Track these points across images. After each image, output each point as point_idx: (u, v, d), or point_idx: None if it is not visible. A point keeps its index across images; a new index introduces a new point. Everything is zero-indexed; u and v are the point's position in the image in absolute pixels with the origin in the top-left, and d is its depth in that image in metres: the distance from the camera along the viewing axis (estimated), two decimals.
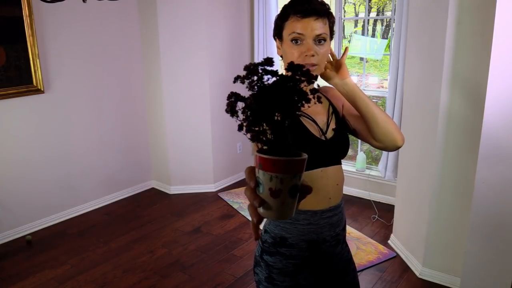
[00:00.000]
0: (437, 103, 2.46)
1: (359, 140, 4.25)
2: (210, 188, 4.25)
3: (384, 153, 3.69)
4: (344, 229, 1.38)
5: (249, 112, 0.64)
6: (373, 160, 5.21)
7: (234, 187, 4.32)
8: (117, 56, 3.88)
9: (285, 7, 1.25)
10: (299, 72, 0.66)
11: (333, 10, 5.90)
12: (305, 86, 0.67)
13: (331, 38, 1.28)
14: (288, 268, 1.28)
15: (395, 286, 2.66)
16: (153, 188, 4.36)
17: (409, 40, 2.86)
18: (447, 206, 2.56)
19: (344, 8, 10.58)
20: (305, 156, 0.65)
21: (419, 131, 2.73)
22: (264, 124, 0.64)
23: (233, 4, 4.14)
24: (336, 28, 4.02)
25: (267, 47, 4.13)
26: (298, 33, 1.21)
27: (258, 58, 4.21)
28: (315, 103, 0.69)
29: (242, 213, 3.72)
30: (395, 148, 1.30)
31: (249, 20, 4.35)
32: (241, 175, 4.53)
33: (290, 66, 0.68)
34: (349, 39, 10.78)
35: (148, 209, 3.87)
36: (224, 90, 4.12)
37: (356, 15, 11.04)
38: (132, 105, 4.09)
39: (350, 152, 5.59)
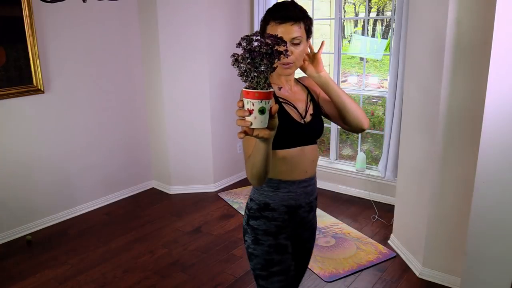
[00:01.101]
0: (437, 103, 2.46)
1: (359, 140, 4.27)
2: (210, 188, 4.25)
3: (384, 153, 3.69)
4: (316, 199, 1.64)
5: (241, 63, 1.04)
6: (373, 160, 5.21)
7: (234, 187, 4.32)
8: (117, 56, 3.88)
9: (267, 12, 1.45)
10: (272, 38, 1.06)
11: (333, 10, 5.91)
12: (279, 48, 1.05)
13: (309, 37, 1.49)
14: (271, 229, 1.52)
15: (395, 286, 2.66)
16: (153, 188, 4.37)
17: (409, 40, 2.86)
18: (447, 206, 2.56)
19: (344, 8, 10.59)
20: (269, 90, 1.03)
21: (419, 131, 2.73)
22: (253, 72, 1.03)
23: (233, 5, 4.14)
24: (336, 28, 4.03)
25: None
26: None
27: None
28: (285, 55, 1.10)
29: (242, 213, 3.72)
30: (361, 130, 1.55)
31: (249, 20, 4.35)
32: (241, 175, 4.53)
33: (268, 35, 1.07)
34: (349, 39, 10.78)
35: (148, 209, 3.87)
36: (225, 90, 4.13)
37: (356, 15, 11.04)
38: (132, 105, 4.09)
39: (350, 152, 5.61)
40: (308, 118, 1.52)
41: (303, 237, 1.64)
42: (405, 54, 3.21)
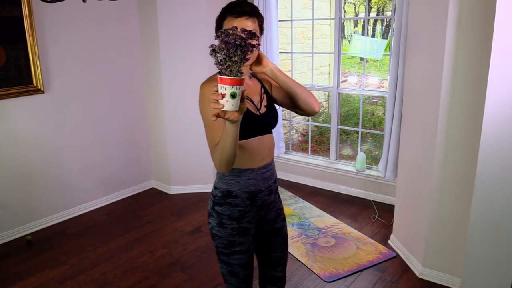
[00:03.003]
0: (437, 103, 2.46)
1: (359, 140, 4.27)
2: (210, 188, 4.21)
3: (384, 153, 3.69)
4: (275, 182, 1.76)
5: (218, 53, 1.19)
6: (373, 160, 5.21)
7: None
8: (117, 56, 3.88)
9: (223, 10, 1.60)
10: (246, 33, 1.23)
11: (333, 10, 5.89)
12: (252, 41, 1.23)
13: (261, 34, 1.63)
14: (234, 214, 1.65)
15: (395, 286, 2.66)
16: (153, 188, 4.37)
17: (409, 40, 2.86)
18: (447, 206, 2.56)
19: (344, 8, 10.58)
20: (240, 77, 1.17)
21: (419, 131, 2.73)
22: (228, 61, 1.18)
23: None
24: (336, 28, 4.03)
25: (266, 45, 4.13)
26: None
27: None
28: (257, 47, 1.31)
29: None
30: (314, 113, 1.69)
31: None
32: None
33: (242, 29, 1.23)
34: (349, 39, 10.78)
35: (148, 209, 3.87)
36: None
37: (356, 15, 11.04)
38: (132, 105, 4.09)
39: (350, 152, 5.61)
40: (263, 109, 1.64)
41: (267, 218, 1.76)
42: (405, 54, 3.21)
